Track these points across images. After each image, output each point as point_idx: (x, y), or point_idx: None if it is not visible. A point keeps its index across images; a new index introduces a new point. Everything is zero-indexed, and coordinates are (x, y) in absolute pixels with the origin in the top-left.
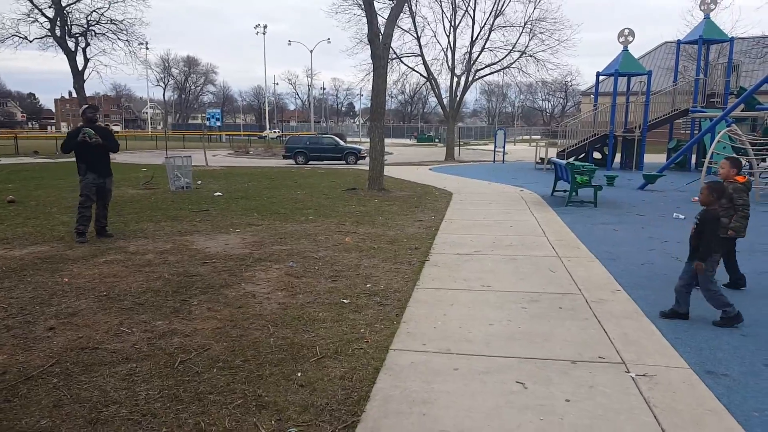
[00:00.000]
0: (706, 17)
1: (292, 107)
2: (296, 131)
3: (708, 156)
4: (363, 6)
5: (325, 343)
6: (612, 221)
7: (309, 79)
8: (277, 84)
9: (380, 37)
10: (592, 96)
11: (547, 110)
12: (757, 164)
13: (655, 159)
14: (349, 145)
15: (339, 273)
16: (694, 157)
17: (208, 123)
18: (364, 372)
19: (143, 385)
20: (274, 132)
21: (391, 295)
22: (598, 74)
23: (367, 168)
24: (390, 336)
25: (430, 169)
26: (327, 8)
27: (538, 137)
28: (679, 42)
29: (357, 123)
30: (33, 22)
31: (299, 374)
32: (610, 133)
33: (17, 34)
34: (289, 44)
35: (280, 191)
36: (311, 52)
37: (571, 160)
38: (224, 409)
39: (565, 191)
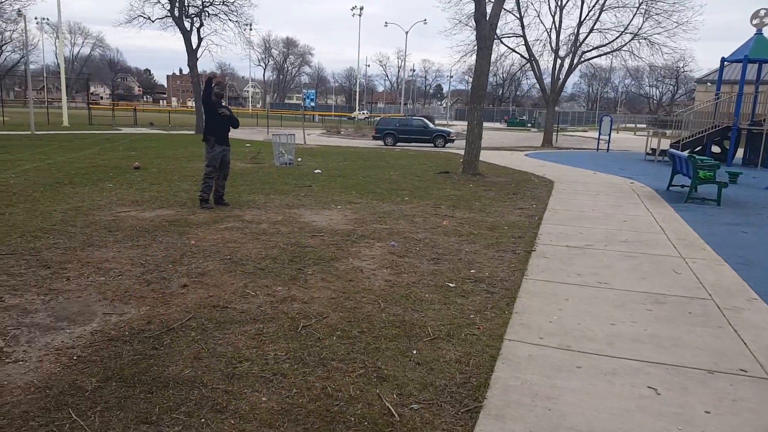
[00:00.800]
0: None
1: (380, 89)
2: (384, 113)
3: None
4: None
5: (436, 325)
6: (739, 222)
7: (400, 60)
8: (369, 66)
9: (487, 17)
10: (708, 84)
11: (655, 97)
12: None
13: None
14: (438, 127)
15: (441, 256)
16: None
17: (304, 104)
18: (479, 358)
19: (271, 346)
20: (363, 113)
21: (498, 284)
22: (723, 60)
23: (458, 151)
24: (502, 325)
25: (525, 154)
26: None
27: (644, 125)
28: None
29: (444, 105)
30: (156, 3)
31: (414, 352)
32: (733, 125)
33: (142, 14)
34: (386, 26)
35: (375, 171)
36: (407, 33)
37: (686, 152)
38: (347, 377)
39: (683, 186)
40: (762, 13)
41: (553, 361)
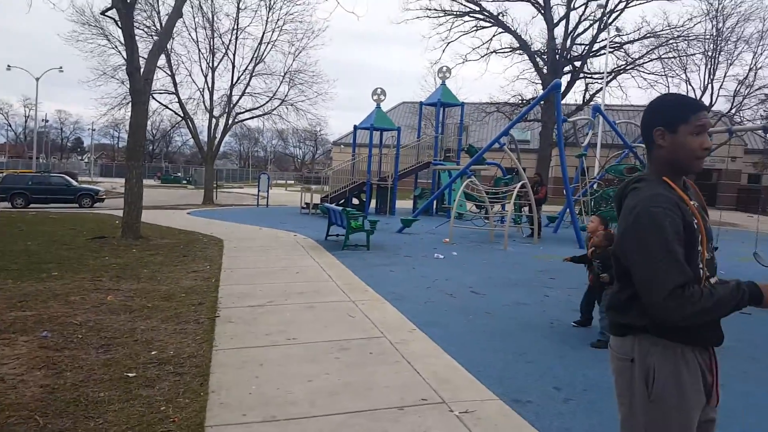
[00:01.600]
0: (443, 84)
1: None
2: (7, 168)
3: (455, 203)
4: (122, 38)
5: (120, 431)
6: (386, 263)
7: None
8: None
9: (141, 71)
10: (342, 145)
11: (299, 156)
12: (492, 208)
13: (404, 205)
14: (83, 185)
15: (111, 340)
16: (435, 203)
17: None
18: None
19: None
20: None
21: (186, 362)
22: (355, 127)
23: (111, 212)
24: (200, 411)
25: (188, 213)
26: (65, 34)
27: (292, 182)
28: (421, 103)
29: (86, 160)
30: None
31: None
32: (367, 181)
33: None
34: (9, 69)
35: (3, 242)
36: (37, 80)
37: (326, 204)
38: None
39: (338, 236)
40: (378, 91)
41: None
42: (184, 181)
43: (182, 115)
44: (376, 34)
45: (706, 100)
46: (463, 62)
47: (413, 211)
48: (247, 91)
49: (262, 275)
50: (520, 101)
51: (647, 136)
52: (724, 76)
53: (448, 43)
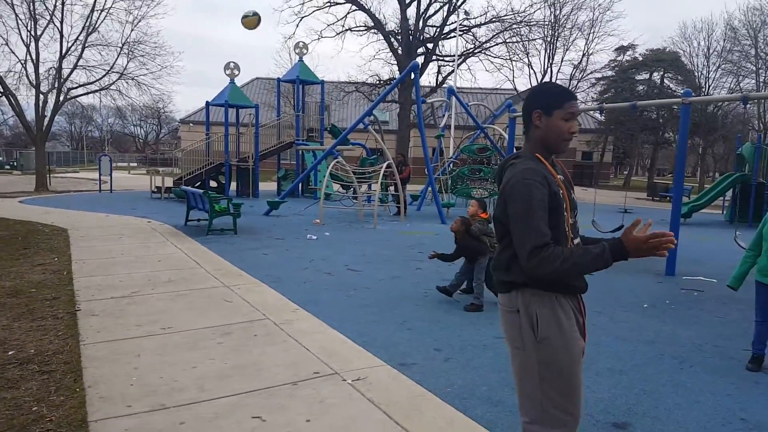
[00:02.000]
0: (300, 60)
1: None
2: None
3: (324, 184)
4: None
5: None
6: (257, 246)
7: None
8: None
9: None
10: (191, 123)
11: (140, 136)
12: (360, 188)
13: (267, 187)
14: None
15: None
16: (300, 184)
17: None
18: None
19: None
20: None
21: (52, 359)
22: (207, 104)
23: None
24: (79, 407)
25: (21, 201)
26: None
27: (135, 164)
28: (278, 80)
29: None
30: None
31: None
32: (226, 162)
33: None
34: None
35: None
36: None
37: (183, 187)
38: None
39: (199, 221)
40: (231, 65)
41: (155, 427)
42: (8, 166)
43: (2, 91)
44: (224, 4)
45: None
46: (319, 39)
47: (278, 193)
48: (80, 64)
49: (120, 265)
50: (377, 81)
51: (527, 117)
52: (561, 61)
53: (302, 17)
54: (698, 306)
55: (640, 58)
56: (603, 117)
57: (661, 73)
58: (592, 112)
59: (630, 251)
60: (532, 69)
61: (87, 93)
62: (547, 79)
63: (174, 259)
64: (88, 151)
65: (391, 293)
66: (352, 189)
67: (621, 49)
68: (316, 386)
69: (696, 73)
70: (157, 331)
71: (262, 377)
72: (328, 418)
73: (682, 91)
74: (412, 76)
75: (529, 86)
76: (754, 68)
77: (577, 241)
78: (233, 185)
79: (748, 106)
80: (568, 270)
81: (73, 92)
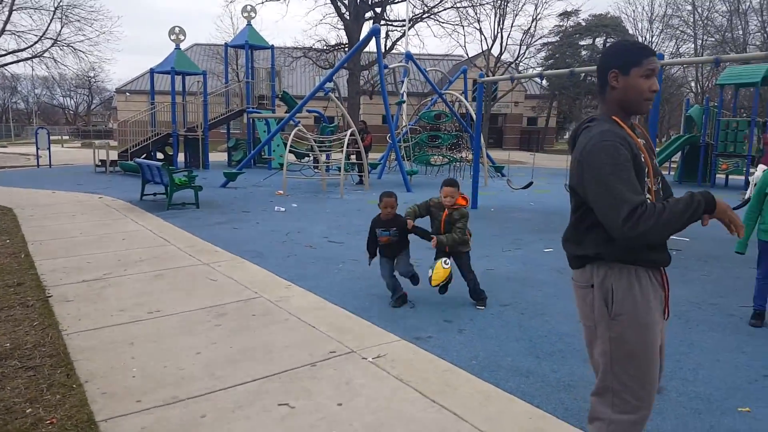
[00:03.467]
0: (249, 25)
1: None
2: None
3: (286, 152)
4: None
5: None
6: (225, 220)
7: None
8: None
9: None
10: (128, 93)
11: (71, 108)
12: (321, 157)
13: (217, 158)
14: None
15: None
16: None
17: None
18: None
19: None
20: None
21: (34, 353)
22: (152, 71)
23: None
24: (81, 405)
25: None
26: None
27: (67, 137)
28: (226, 45)
29: None
30: None
31: None
32: (173, 132)
33: None
34: None
35: None
36: None
37: (138, 160)
38: None
39: (155, 195)
40: (177, 30)
41: (176, 422)
42: None
43: None
44: None
45: (495, 50)
46: (263, 2)
47: (228, 164)
48: (7, 28)
49: (82, 245)
50: (325, 47)
51: (602, 78)
52: (512, 26)
53: None
54: (682, 265)
55: (584, 24)
56: (545, 83)
57: (604, 38)
58: (536, 78)
59: (718, 208)
60: (483, 34)
61: (17, 61)
62: (497, 45)
63: (139, 237)
64: (15, 123)
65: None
66: (309, 158)
67: (565, 15)
68: (337, 366)
69: (639, 38)
70: (145, 316)
71: (275, 360)
72: (361, 400)
73: None
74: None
75: (480, 51)
76: (693, 33)
77: None
78: (181, 156)
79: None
80: (666, 223)
81: (2, 59)
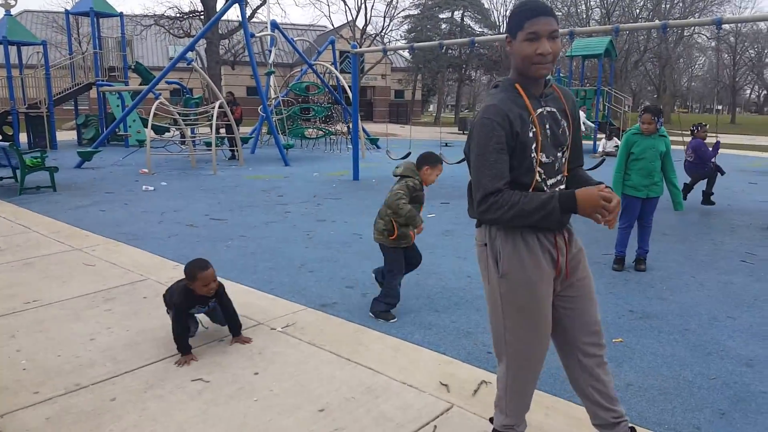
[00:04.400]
0: None
1: None
2: None
3: (149, 128)
4: None
5: None
6: (88, 203)
7: None
8: None
9: None
10: None
11: None
12: (188, 132)
13: (66, 137)
14: None
15: None
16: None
17: None
18: None
19: None
20: None
21: None
22: None
23: None
24: None
25: None
26: None
27: None
28: (67, 12)
29: None
30: None
31: None
32: (12, 109)
33: None
34: None
35: None
36: None
37: None
38: None
39: (1, 179)
40: None
41: (83, 409)
42: None
43: None
44: None
45: (360, 21)
46: None
47: (78, 143)
48: None
49: None
50: (178, 14)
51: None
52: None
53: None
54: None
55: None
56: (407, 55)
57: (462, 11)
58: (402, 51)
59: (580, 202)
60: (347, 5)
61: None
62: (361, 17)
63: None
64: None
65: (273, 238)
66: (171, 134)
67: None
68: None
69: (494, 12)
70: (21, 307)
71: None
72: (277, 367)
73: (480, 30)
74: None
75: (346, 22)
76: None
77: (553, 181)
78: (23, 137)
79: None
80: (512, 218)
81: None
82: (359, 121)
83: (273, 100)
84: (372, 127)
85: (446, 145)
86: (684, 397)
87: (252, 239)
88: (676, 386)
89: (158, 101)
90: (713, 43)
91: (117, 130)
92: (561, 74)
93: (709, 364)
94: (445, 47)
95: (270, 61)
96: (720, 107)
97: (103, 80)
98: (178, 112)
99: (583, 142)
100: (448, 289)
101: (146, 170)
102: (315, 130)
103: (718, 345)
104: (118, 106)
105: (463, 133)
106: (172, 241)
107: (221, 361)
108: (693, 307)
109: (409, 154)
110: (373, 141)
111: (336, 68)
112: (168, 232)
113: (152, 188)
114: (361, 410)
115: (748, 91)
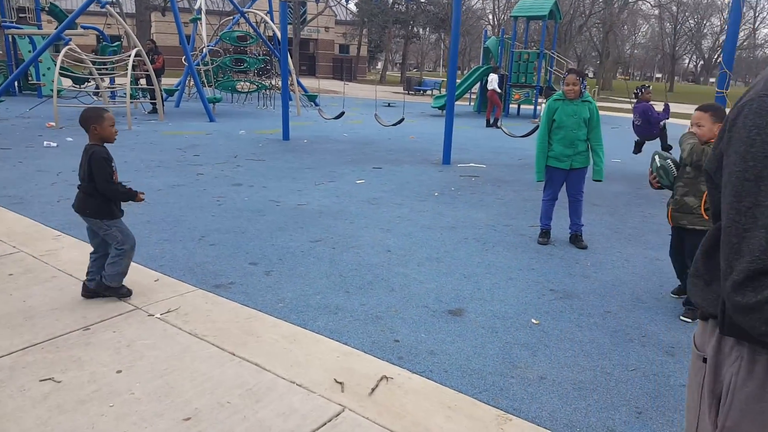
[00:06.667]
0: None
1: None
2: None
3: (56, 77)
4: None
5: None
6: None
7: None
8: None
9: None
10: None
11: None
12: (102, 82)
13: None
14: None
15: None
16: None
17: None
18: None
19: None
20: None
21: None
22: None
23: None
24: None
25: None
26: None
27: None
28: None
29: None
30: None
31: None
32: None
33: None
34: None
35: None
36: None
37: None
38: None
39: None
40: None
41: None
42: None
43: None
44: None
45: None
46: None
47: None
48: None
49: None
50: None
51: None
52: None
53: None
54: (479, 190)
55: None
56: (352, 7)
57: None
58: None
59: None
60: None
61: None
62: None
63: None
64: None
65: (176, 204)
66: (89, 83)
67: None
68: (117, 327)
69: None
70: None
71: (38, 327)
72: (145, 364)
73: None
74: None
75: None
76: None
77: None
78: None
79: (486, 1)
80: None
81: None
82: (294, 75)
83: (201, 50)
84: (312, 83)
85: (389, 105)
86: (600, 393)
87: (152, 205)
88: (593, 379)
89: (67, 47)
90: (656, 11)
91: (29, 77)
92: (505, 36)
93: (629, 353)
94: (392, 1)
95: (195, 7)
96: (659, 75)
97: (10, 22)
98: (91, 61)
99: (522, 106)
100: (364, 265)
101: (53, 123)
102: (248, 83)
103: (640, 330)
104: (30, 51)
105: (409, 93)
106: (60, 206)
107: (81, 356)
108: (617, 286)
109: (342, 113)
110: (312, 98)
111: (272, 18)
112: (58, 195)
113: (55, 144)
114: (236, 418)
115: (687, 61)
